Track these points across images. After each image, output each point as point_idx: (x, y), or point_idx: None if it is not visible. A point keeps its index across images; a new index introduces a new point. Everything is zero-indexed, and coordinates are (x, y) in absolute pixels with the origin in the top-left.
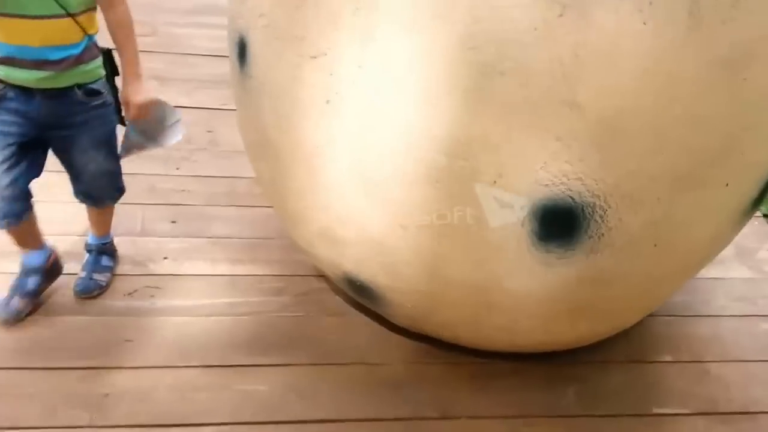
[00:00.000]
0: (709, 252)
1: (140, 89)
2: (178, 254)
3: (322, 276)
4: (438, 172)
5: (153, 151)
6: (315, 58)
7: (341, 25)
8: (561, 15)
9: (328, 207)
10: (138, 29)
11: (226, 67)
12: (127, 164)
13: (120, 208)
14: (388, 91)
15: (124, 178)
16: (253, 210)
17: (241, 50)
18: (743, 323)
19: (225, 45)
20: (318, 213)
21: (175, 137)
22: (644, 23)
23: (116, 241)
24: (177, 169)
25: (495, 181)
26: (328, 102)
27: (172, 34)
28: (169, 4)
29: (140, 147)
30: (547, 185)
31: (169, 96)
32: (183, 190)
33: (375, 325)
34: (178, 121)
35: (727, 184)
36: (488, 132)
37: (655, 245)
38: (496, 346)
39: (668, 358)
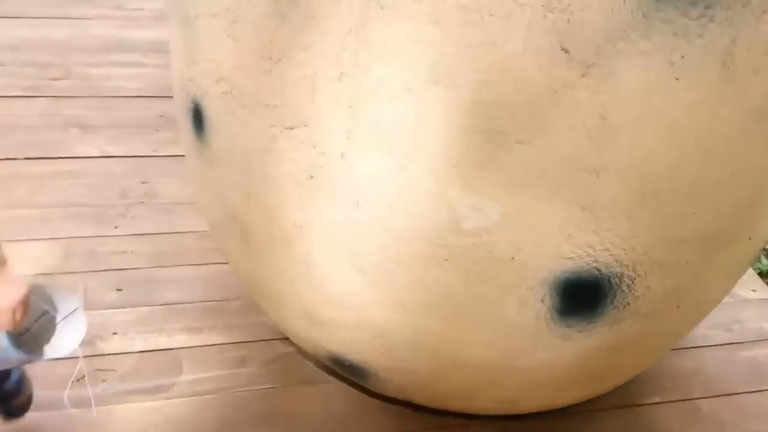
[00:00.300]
0: (721, 300)
1: (3, 286)
2: (129, 328)
3: (287, 338)
4: (446, 251)
5: (86, 210)
6: (292, 129)
7: (324, 93)
8: (584, 75)
9: (315, 289)
10: (50, 72)
11: (153, 108)
12: (60, 227)
13: (58, 279)
14: (385, 163)
15: (55, 243)
16: (206, 269)
17: (196, 118)
18: (724, 353)
19: (148, 84)
20: (301, 294)
21: (70, 344)
22: (677, 78)
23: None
24: (115, 228)
25: (513, 258)
26: (311, 177)
27: (89, 76)
28: (78, 42)
29: (26, 361)
30: (571, 258)
31: (96, 145)
32: (125, 252)
33: (353, 392)
34: (75, 310)
35: (750, 238)
36: (504, 205)
37: (678, 307)
38: (493, 413)
39: (657, 399)
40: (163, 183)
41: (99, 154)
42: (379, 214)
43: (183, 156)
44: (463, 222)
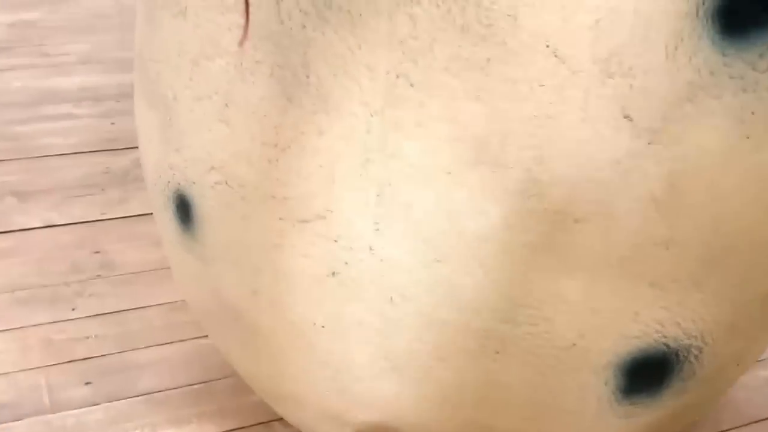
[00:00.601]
0: None
1: None
2: (106, 427)
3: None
4: (498, 342)
5: (36, 292)
6: (308, 222)
7: (346, 181)
8: (650, 142)
9: (342, 391)
10: None
11: (95, 164)
12: (9, 316)
13: (17, 379)
14: (423, 255)
15: (5, 335)
16: (182, 347)
17: (181, 209)
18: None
19: (86, 137)
20: (325, 398)
21: None
22: (747, 137)
23: (23, 426)
24: (72, 310)
25: (574, 344)
26: (333, 274)
27: (17, 135)
28: (1, 99)
29: None
30: (638, 337)
31: (36, 214)
32: (87, 338)
33: None
34: None
35: None
36: (563, 289)
37: (738, 364)
38: None
39: None
40: (117, 250)
41: (42, 224)
42: (418, 310)
43: (135, 216)
44: (517, 311)
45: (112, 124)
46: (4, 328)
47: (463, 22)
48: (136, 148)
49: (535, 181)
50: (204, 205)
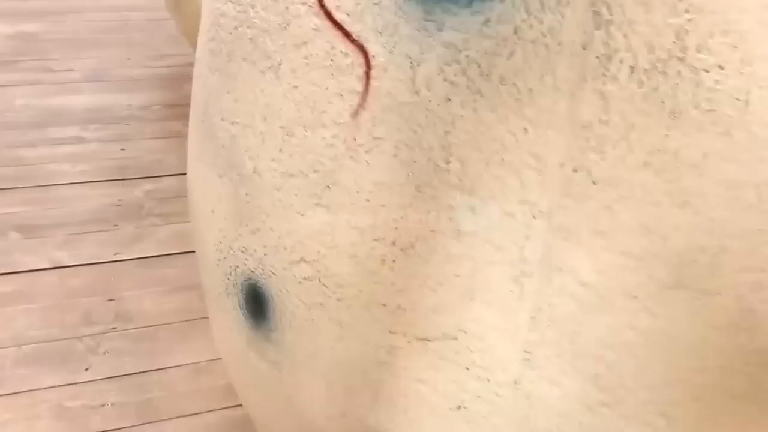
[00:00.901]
0: None
1: None
2: None
3: None
4: None
5: (45, 348)
6: (430, 341)
7: (489, 296)
8: None
9: None
10: None
11: (106, 196)
12: (12, 375)
13: None
14: (584, 395)
15: (10, 399)
16: (210, 419)
17: (253, 301)
18: None
19: (95, 165)
20: None
21: None
22: None
23: None
24: (86, 370)
25: None
26: (459, 408)
27: (23, 159)
28: (3, 118)
29: None
30: None
31: (43, 253)
32: (104, 405)
33: None
34: None
35: None
36: None
37: None
38: None
39: None
40: (133, 298)
41: (49, 265)
42: None
43: (151, 258)
44: None
45: (122, 150)
46: (10, 392)
47: (674, 106)
48: (149, 178)
49: (749, 313)
50: (286, 302)
